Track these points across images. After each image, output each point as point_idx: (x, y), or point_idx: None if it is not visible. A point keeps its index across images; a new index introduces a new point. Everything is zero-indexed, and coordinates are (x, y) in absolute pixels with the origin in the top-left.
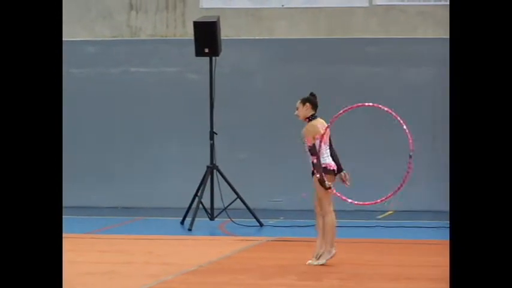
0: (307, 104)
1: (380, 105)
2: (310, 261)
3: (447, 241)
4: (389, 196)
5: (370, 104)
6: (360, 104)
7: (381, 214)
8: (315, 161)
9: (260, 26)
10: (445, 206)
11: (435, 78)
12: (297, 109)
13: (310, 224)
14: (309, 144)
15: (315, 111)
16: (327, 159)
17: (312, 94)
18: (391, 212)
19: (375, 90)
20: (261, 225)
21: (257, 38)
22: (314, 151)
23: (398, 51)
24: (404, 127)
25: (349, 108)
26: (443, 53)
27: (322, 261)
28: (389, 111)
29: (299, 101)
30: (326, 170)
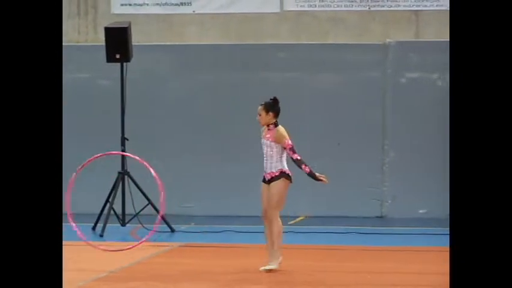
0: (270, 113)
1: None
2: (267, 267)
3: (357, 246)
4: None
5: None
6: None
7: (292, 220)
8: (298, 157)
9: (171, 32)
10: (349, 211)
11: (346, 84)
12: (259, 115)
13: (221, 230)
14: (290, 144)
15: (277, 118)
16: (285, 165)
17: (274, 99)
18: (302, 218)
19: (287, 96)
20: (173, 230)
21: (168, 43)
22: (295, 150)
23: (309, 57)
24: (137, 158)
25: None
26: (354, 58)
27: (273, 265)
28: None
29: (261, 107)
30: (286, 175)
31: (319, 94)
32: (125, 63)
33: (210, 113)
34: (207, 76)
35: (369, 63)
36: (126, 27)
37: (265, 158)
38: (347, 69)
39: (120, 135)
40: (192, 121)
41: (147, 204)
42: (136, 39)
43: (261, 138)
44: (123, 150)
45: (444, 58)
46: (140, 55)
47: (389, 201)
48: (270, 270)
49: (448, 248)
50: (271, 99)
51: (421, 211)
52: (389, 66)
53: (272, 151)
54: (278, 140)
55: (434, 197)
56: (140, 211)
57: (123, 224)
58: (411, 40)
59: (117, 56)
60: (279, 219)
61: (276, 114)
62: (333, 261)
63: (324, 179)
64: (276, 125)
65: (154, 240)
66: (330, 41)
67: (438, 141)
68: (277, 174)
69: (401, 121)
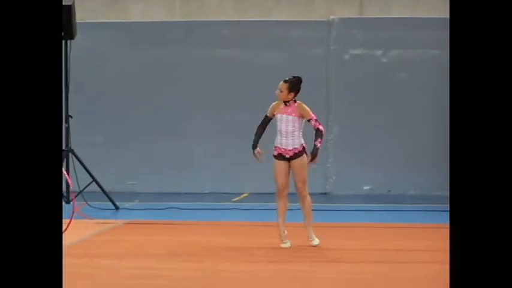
0: (292, 92)
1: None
2: (286, 244)
3: (301, 223)
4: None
5: None
6: None
7: (237, 197)
8: (323, 129)
9: (116, 9)
10: (293, 189)
11: (290, 61)
12: (281, 91)
13: (165, 207)
14: (314, 116)
15: (295, 97)
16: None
17: (298, 79)
18: (246, 195)
19: (231, 72)
20: (117, 208)
21: (113, 21)
22: (319, 121)
23: (253, 33)
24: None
25: None
26: (298, 35)
27: (316, 241)
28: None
29: (286, 85)
30: (305, 150)
31: (263, 71)
32: (69, 41)
33: (154, 89)
34: (152, 53)
35: (313, 40)
36: (70, 5)
37: (283, 135)
38: (291, 46)
39: (64, 112)
40: (136, 98)
41: (92, 182)
42: (81, 16)
43: (268, 114)
44: (68, 128)
45: (388, 35)
46: (84, 32)
47: (333, 178)
48: (315, 246)
49: (392, 224)
50: (294, 77)
51: (365, 187)
52: (333, 43)
53: (294, 126)
54: (304, 113)
55: (378, 174)
56: (85, 188)
57: (68, 202)
58: (355, 17)
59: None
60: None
61: (297, 93)
62: (275, 237)
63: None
64: (295, 101)
65: (99, 218)
66: (274, 18)
67: (382, 118)
68: (300, 149)
69: (345, 98)
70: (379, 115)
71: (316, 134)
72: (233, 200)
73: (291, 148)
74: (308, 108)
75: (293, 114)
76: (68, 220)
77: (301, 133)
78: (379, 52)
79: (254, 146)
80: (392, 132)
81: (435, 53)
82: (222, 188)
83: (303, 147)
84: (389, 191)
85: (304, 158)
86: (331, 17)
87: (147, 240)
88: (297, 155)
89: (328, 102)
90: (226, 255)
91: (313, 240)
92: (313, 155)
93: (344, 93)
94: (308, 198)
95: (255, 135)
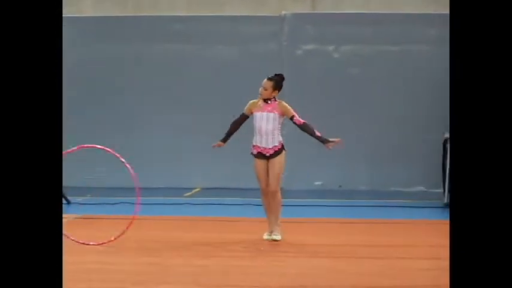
0: (276, 90)
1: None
2: (271, 236)
3: (254, 218)
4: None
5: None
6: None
7: (188, 192)
8: (305, 121)
9: (68, 4)
10: (245, 184)
11: (242, 56)
12: (265, 89)
13: (117, 202)
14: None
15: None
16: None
17: (282, 77)
18: (197, 190)
19: (183, 67)
20: (69, 202)
21: (65, 16)
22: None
23: (205, 28)
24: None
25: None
26: (251, 30)
27: (279, 236)
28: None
29: (270, 83)
30: (283, 147)
31: (215, 66)
32: None
33: (106, 84)
34: (103, 48)
35: (265, 35)
36: None
37: (263, 133)
38: (243, 41)
39: None
40: (88, 93)
41: None
42: None
43: (244, 112)
44: None
45: (340, 30)
46: None
47: (285, 173)
48: (274, 240)
49: (343, 219)
50: (277, 75)
51: (316, 183)
52: (286, 39)
53: (274, 124)
54: (285, 111)
55: (330, 169)
56: None
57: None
58: (307, 12)
59: None
60: (279, 191)
61: (279, 90)
62: (229, 232)
63: (335, 141)
64: (275, 99)
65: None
66: (227, 13)
67: (334, 113)
68: (280, 147)
69: (298, 93)
70: (330, 110)
71: (306, 127)
72: (185, 194)
73: (271, 147)
74: (289, 106)
75: (274, 112)
76: (132, 216)
77: (280, 131)
78: (331, 47)
79: (222, 140)
80: (344, 127)
81: (387, 48)
82: (174, 183)
83: (282, 145)
84: (340, 186)
85: (283, 156)
86: (284, 12)
87: (99, 235)
88: (277, 152)
89: (280, 97)
90: (179, 250)
91: (276, 235)
92: (328, 141)
93: (296, 88)
94: (279, 195)
95: (228, 131)
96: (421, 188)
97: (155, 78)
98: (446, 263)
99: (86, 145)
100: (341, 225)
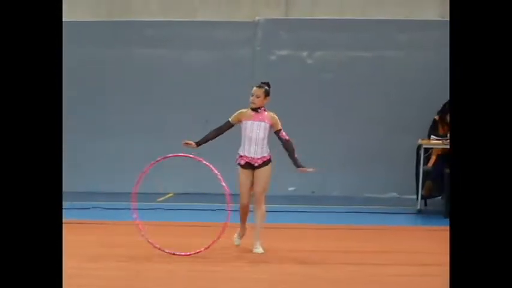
0: (268, 97)
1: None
2: (238, 241)
3: (227, 223)
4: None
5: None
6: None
7: (162, 197)
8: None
9: None
10: (218, 189)
11: (215, 61)
12: (257, 97)
13: (90, 207)
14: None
15: None
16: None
17: (268, 83)
18: (171, 195)
19: (156, 73)
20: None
21: None
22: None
23: (178, 34)
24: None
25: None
26: (224, 36)
27: (261, 249)
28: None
29: (261, 90)
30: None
31: (188, 71)
32: None
33: (78, 89)
34: (76, 53)
35: (239, 40)
36: None
37: (253, 142)
38: (217, 46)
39: None
40: (62, 98)
41: None
42: None
43: (230, 120)
44: None
45: (313, 36)
46: None
47: None
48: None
49: (315, 225)
50: (264, 82)
51: (289, 188)
52: (259, 44)
53: (264, 134)
54: (275, 123)
55: (303, 175)
56: None
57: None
58: (281, 18)
59: None
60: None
61: (269, 98)
62: (201, 237)
63: (308, 170)
64: (264, 109)
65: None
66: (200, 19)
67: (307, 119)
68: (268, 157)
69: (271, 98)
70: (304, 116)
71: (289, 146)
72: (158, 200)
73: (259, 156)
74: (278, 119)
75: (266, 121)
76: (224, 223)
77: (267, 141)
78: (304, 53)
79: (197, 142)
80: (317, 133)
81: (360, 54)
82: (147, 188)
83: (270, 156)
84: (313, 192)
85: (270, 167)
86: (257, 17)
87: (71, 240)
88: (265, 163)
89: None
90: (151, 255)
91: (257, 248)
92: (302, 166)
93: (270, 93)
94: (264, 207)
95: (207, 136)
96: (394, 195)
97: (127, 83)
98: (419, 269)
99: (170, 155)
100: (314, 231)
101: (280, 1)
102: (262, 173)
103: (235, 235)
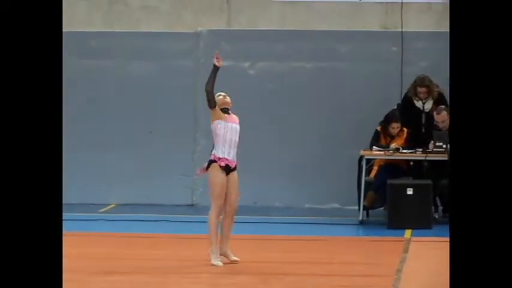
0: None
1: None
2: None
3: (168, 234)
4: None
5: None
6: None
7: (103, 207)
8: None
9: None
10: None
11: (158, 72)
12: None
13: None
14: None
15: None
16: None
17: None
18: (113, 206)
19: (99, 84)
20: None
21: None
22: None
23: (121, 45)
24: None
25: None
26: (166, 46)
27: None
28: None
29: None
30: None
31: (131, 82)
32: None
33: None
34: None
35: (181, 51)
36: None
37: (232, 145)
38: (159, 57)
39: None
40: None
41: None
42: None
43: (212, 121)
44: None
45: (255, 46)
46: None
47: (200, 190)
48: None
49: (257, 236)
50: None
51: None
52: (202, 55)
53: (237, 137)
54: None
55: (245, 185)
56: None
57: None
58: (223, 29)
59: None
60: None
61: None
62: (140, 248)
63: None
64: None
65: None
66: (143, 29)
67: (249, 130)
68: (236, 162)
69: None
70: (246, 127)
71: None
72: (100, 210)
73: (235, 159)
74: None
75: (238, 124)
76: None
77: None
78: (246, 64)
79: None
80: (259, 144)
81: (302, 65)
82: (89, 199)
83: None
84: (255, 202)
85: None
86: (199, 28)
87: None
88: (235, 167)
89: (195, 114)
90: (94, 266)
91: (234, 255)
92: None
93: None
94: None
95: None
96: (336, 205)
97: (71, 94)
98: (361, 280)
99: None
100: (255, 241)
101: (222, 12)
102: (236, 178)
103: (213, 256)
